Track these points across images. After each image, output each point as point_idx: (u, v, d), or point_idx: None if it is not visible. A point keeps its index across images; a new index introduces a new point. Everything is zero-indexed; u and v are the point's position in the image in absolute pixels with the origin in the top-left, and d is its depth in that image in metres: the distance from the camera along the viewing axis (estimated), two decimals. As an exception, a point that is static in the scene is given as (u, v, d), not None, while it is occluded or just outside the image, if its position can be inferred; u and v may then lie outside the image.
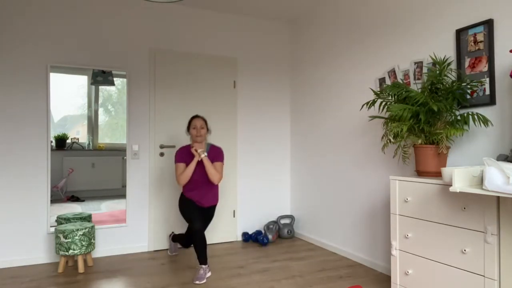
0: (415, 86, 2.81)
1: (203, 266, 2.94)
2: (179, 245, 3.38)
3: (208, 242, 4.02)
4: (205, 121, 3.20)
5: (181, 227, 3.90)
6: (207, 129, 3.20)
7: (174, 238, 3.52)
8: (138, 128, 3.77)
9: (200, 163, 3.14)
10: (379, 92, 2.64)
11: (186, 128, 3.26)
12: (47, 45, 3.43)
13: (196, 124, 3.14)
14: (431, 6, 2.71)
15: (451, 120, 2.40)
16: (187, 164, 3.14)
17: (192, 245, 3.31)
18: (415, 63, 2.82)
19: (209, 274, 3.01)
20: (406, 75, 2.91)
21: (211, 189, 3.22)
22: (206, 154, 3.10)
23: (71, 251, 3.08)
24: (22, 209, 3.34)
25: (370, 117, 2.99)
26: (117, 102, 3.76)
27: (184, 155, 3.18)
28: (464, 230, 2.00)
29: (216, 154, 3.20)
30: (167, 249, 3.82)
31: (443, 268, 2.11)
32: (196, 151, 3.09)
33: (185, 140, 3.93)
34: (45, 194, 3.41)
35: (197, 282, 2.85)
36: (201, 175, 3.15)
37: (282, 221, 4.42)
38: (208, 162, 3.08)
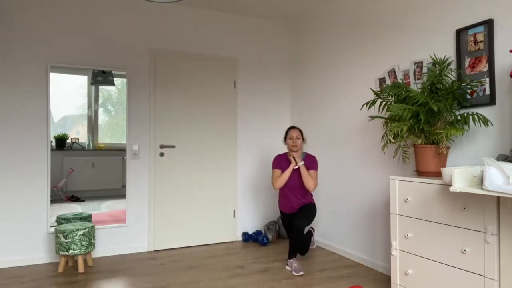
0: (415, 86, 2.81)
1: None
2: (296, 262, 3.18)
3: (208, 242, 4.02)
4: (301, 132, 3.37)
5: (180, 228, 3.90)
6: (303, 139, 3.37)
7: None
8: (138, 128, 3.77)
9: (296, 170, 3.31)
10: (379, 92, 2.64)
11: (283, 138, 3.46)
12: (47, 45, 3.43)
13: (292, 134, 3.32)
14: (431, 6, 2.71)
15: (451, 120, 2.39)
16: (283, 170, 3.33)
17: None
18: (415, 63, 2.82)
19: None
20: (406, 75, 2.91)
21: (305, 195, 3.36)
22: (303, 162, 3.27)
23: (71, 251, 3.08)
24: (22, 209, 3.34)
25: (370, 117, 2.99)
26: (117, 102, 3.76)
27: (281, 161, 3.38)
28: (464, 230, 2.00)
29: (311, 162, 3.35)
30: (167, 249, 3.82)
31: (443, 268, 2.11)
32: (294, 158, 3.28)
33: (186, 141, 3.94)
34: (45, 194, 3.41)
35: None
36: (296, 181, 3.31)
37: (282, 221, 4.42)
38: (305, 170, 3.25)
